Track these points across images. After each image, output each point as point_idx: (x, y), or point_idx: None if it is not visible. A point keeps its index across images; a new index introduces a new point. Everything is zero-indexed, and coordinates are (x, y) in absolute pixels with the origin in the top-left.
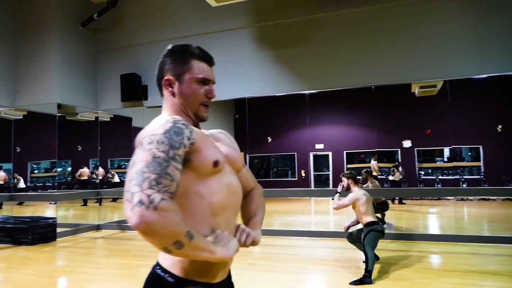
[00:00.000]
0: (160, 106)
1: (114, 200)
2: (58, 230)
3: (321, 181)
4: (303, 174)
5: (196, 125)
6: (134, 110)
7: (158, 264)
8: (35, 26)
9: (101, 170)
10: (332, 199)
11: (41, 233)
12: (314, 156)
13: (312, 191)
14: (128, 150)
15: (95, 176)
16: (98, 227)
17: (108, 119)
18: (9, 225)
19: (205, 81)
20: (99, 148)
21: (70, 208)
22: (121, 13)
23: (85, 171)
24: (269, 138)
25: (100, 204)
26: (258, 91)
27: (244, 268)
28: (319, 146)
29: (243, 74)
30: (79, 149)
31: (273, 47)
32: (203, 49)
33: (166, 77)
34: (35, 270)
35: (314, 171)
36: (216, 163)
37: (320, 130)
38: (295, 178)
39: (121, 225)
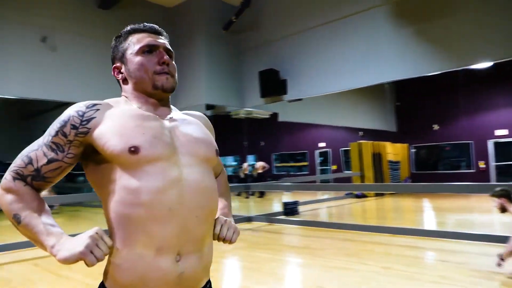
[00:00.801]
0: (299, 99)
1: (261, 194)
2: None
3: (510, 172)
4: (483, 166)
5: (164, 103)
6: (277, 105)
7: (104, 272)
8: (186, 36)
9: (259, 164)
10: None
11: None
12: (496, 144)
13: (478, 186)
14: (271, 145)
15: (249, 170)
16: (249, 219)
17: (268, 116)
18: None
19: (151, 49)
20: (244, 144)
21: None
22: (256, 12)
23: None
24: (434, 125)
25: (261, 197)
26: (400, 74)
27: (376, 271)
28: (501, 132)
29: (382, 56)
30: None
31: (414, 23)
32: (142, 23)
33: (113, 66)
34: None
35: (495, 162)
36: (133, 149)
37: (501, 113)
38: (471, 170)
39: (269, 217)
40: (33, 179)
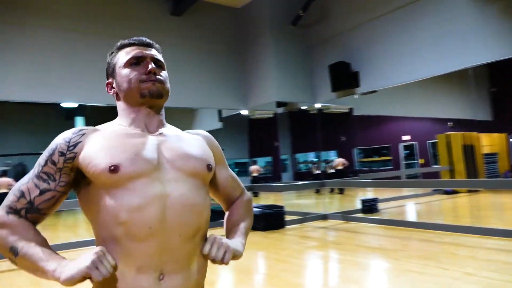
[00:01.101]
0: (374, 91)
1: (341, 191)
2: (289, 218)
3: None
4: None
5: (156, 112)
6: (350, 99)
7: None
8: (254, 35)
9: (339, 160)
10: None
11: (271, 220)
12: None
13: None
14: (352, 140)
15: (322, 167)
16: (324, 217)
17: (347, 110)
18: None
19: (138, 61)
20: (317, 139)
21: (305, 197)
22: (323, 5)
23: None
24: None
25: (341, 193)
26: (488, 56)
27: (456, 277)
28: None
29: (464, 39)
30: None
31: None
32: (133, 37)
33: (106, 82)
34: (246, 254)
35: None
36: (113, 168)
37: None
38: None
39: (345, 215)
40: (27, 212)
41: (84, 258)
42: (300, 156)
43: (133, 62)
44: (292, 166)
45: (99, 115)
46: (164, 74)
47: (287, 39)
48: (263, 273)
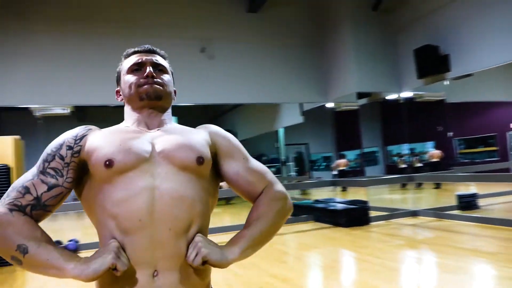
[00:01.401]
0: (468, 75)
1: (437, 185)
2: (375, 214)
3: None
4: None
5: (158, 113)
6: (440, 85)
7: None
8: (333, 26)
9: (433, 152)
10: None
11: (355, 216)
12: None
13: None
14: (450, 130)
15: (407, 160)
16: (414, 213)
17: (442, 98)
18: (331, 207)
19: (139, 67)
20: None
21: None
22: None
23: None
24: None
25: (437, 188)
26: None
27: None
28: None
29: None
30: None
31: None
32: (138, 46)
33: (115, 90)
34: (320, 250)
35: None
36: (108, 163)
37: None
38: None
39: (438, 212)
40: (33, 208)
41: (102, 252)
42: (394, 148)
43: (135, 69)
44: (384, 159)
45: (189, 114)
46: (165, 77)
47: (367, 26)
48: (339, 272)
